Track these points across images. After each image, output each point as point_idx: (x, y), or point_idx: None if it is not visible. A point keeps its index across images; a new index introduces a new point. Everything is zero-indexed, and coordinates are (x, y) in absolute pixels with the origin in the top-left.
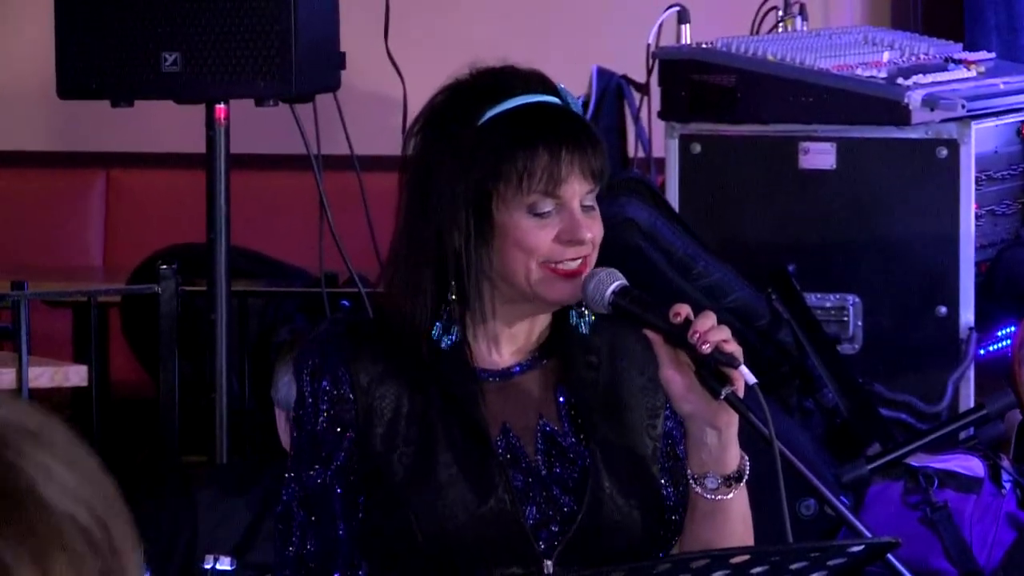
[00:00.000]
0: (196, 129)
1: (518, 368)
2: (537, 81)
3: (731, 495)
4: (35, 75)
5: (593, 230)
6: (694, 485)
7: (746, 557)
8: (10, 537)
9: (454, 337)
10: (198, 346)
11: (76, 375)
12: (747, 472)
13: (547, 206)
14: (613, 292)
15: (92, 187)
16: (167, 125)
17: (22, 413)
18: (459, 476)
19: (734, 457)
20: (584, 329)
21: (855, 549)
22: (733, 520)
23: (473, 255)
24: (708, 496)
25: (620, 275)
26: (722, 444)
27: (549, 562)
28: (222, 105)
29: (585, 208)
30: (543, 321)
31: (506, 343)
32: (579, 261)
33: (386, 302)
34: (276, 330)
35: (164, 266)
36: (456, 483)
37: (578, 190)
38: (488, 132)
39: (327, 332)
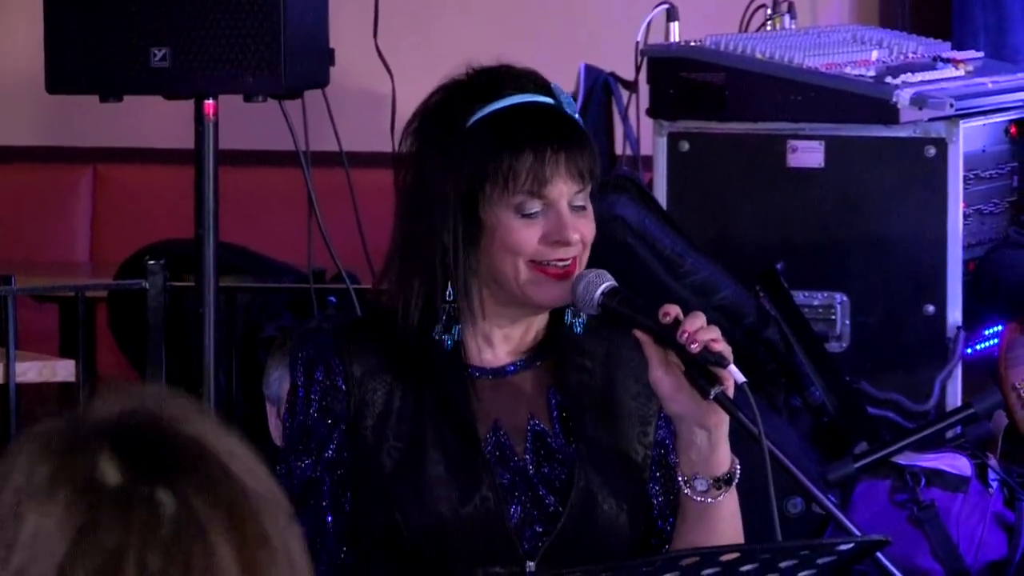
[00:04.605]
0: (184, 124)
1: (512, 367)
2: (530, 81)
3: (721, 498)
4: (24, 69)
5: (582, 230)
6: (684, 487)
7: (736, 555)
8: (205, 500)
9: (455, 336)
10: (185, 341)
11: (63, 370)
12: (738, 475)
13: (534, 206)
14: (602, 293)
15: (80, 182)
16: (155, 120)
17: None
18: (446, 473)
19: (724, 459)
20: (578, 328)
21: (845, 547)
22: (723, 523)
23: (462, 256)
24: (698, 498)
25: (609, 276)
26: (712, 445)
27: (532, 563)
28: (211, 101)
29: (575, 208)
30: (539, 322)
31: (500, 343)
32: (568, 262)
33: (382, 299)
34: (263, 326)
35: (152, 261)
36: (442, 480)
37: (565, 191)
38: (476, 133)
39: (323, 326)
